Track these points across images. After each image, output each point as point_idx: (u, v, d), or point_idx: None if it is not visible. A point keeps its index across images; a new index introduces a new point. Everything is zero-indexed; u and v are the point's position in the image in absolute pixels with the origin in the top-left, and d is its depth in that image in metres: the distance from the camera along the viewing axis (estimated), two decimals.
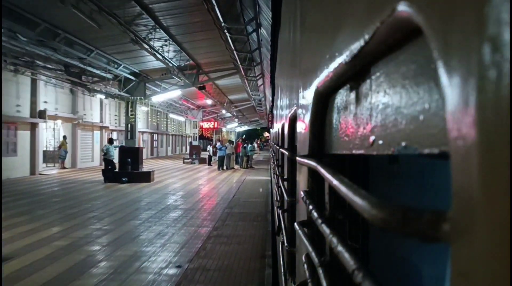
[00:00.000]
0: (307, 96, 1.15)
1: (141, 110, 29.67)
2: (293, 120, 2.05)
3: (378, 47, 0.49)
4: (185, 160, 29.71)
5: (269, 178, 15.72)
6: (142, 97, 18.03)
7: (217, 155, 24.57)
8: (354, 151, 0.65)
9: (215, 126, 38.32)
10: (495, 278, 0.23)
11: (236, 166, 25.83)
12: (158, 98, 20.03)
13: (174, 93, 19.57)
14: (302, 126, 1.31)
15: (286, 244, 2.07)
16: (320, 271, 0.75)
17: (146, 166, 24.33)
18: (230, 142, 26.30)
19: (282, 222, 2.61)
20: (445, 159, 0.30)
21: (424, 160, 1.23)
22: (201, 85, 17.83)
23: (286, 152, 2.40)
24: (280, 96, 4.39)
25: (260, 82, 19.85)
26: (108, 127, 26.48)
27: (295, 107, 1.71)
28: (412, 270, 1.34)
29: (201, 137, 45.60)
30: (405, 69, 0.43)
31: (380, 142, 0.51)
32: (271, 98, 13.05)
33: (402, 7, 0.38)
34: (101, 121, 25.63)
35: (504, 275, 0.22)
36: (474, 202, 0.25)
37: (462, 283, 0.27)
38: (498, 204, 0.23)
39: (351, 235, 0.86)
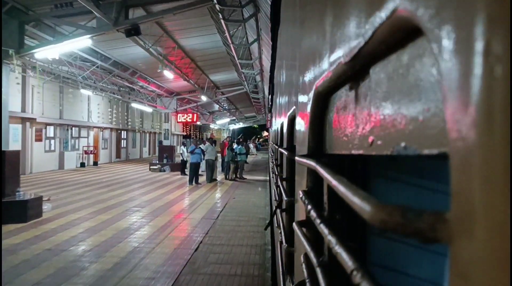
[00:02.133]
0: (306, 96, 1.15)
1: (96, 98, 22.81)
2: (292, 120, 2.05)
3: (378, 47, 0.48)
4: (151, 167, 21.43)
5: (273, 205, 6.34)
6: (14, 50, 9.35)
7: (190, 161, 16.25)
8: (353, 151, 0.65)
9: (194, 119, 27.79)
10: (495, 279, 0.23)
11: (220, 177, 18.09)
12: (50, 52, 11.00)
13: (80, 43, 10.95)
14: (301, 126, 1.30)
15: (284, 244, 2.07)
16: (318, 271, 0.75)
17: (94, 174, 16.33)
18: (212, 141, 17.40)
19: (280, 221, 2.61)
20: (445, 159, 0.30)
21: (424, 160, 1.23)
22: (132, 26, 9.59)
23: (285, 152, 2.40)
24: (279, 95, 4.38)
25: (252, 37, 12.15)
26: (35, 119, 17.66)
27: (294, 107, 1.71)
28: (411, 271, 1.34)
29: (188, 136, 36.94)
30: (405, 69, 0.43)
31: (380, 142, 0.51)
32: (270, 66, 8.53)
33: (402, 7, 0.38)
34: (24, 110, 17.03)
35: (504, 276, 0.22)
36: (474, 203, 0.25)
37: (461, 284, 0.27)
38: (498, 205, 0.23)
39: (349, 235, 0.86)
